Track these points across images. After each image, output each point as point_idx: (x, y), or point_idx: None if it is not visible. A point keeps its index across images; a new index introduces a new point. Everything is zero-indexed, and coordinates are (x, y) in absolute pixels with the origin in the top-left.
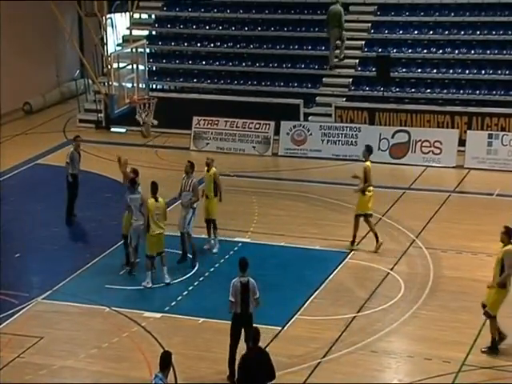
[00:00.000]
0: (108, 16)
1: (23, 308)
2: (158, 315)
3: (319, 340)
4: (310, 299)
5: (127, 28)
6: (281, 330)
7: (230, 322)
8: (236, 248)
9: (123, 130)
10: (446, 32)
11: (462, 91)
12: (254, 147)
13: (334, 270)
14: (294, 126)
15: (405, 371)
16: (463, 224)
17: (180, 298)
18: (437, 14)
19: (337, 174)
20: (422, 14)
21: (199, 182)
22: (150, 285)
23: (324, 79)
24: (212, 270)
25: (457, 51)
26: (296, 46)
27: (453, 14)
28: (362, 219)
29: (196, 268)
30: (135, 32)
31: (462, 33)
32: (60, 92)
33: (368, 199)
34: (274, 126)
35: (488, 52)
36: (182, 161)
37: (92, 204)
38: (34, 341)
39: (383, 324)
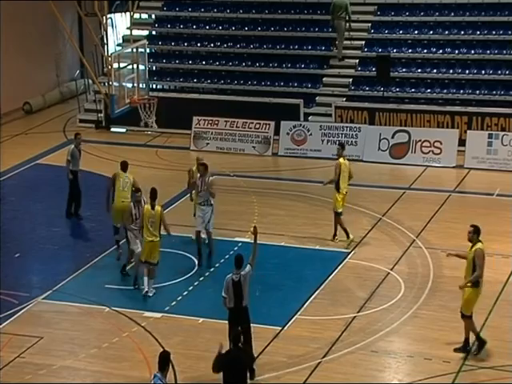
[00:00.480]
0: (108, 16)
1: (23, 308)
2: (158, 315)
3: (319, 340)
4: (310, 299)
5: (127, 28)
6: (281, 330)
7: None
8: (236, 248)
9: (123, 130)
10: (446, 32)
11: (462, 91)
12: (253, 147)
13: (334, 270)
14: (294, 126)
15: (405, 371)
16: (463, 224)
17: (180, 297)
18: (437, 13)
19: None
20: (421, 14)
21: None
22: (147, 291)
23: (324, 79)
24: (212, 269)
25: (457, 51)
26: (296, 46)
27: (453, 14)
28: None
29: (196, 268)
30: (135, 32)
31: (462, 33)
32: (60, 92)
33: (341, 197)
34: (273, 126)
35: (488, 52)
36: (182, 161)
37: (92, 204)
38: (33, 341)
39: (383, 324)
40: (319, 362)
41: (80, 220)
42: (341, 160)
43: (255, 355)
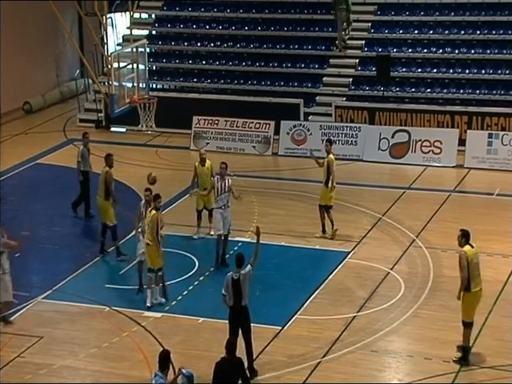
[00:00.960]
0: (108, 16)
1: (23, 308)
2: (158, 315)
3: (319, 340)
4: (310, 299)
5: (127, 28)
6: (281, 330)
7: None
8: (236, 248)
9: (123, 130)
10: (446, 32)
11: (462, 91)
12: (253, 147)
13: (334, 269)
14: (294, 126)
15: (405, 371)
16: (463, 224)
17: (180, 297)
18: (437, 13)
19: (337, 173)
20: (421, 13)
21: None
22: (149, 303)
23: (324, 79)
24: (212, 269)
25: (457, 51)
26: (296, 46)
27: (453, 14)
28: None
29: (196, 268)
30: (135, 31)
31: (462, 32)
32: (60, 92)
33: (330, 191)
34: (274, 126)
35: (488, 52)
36: (182, 160)
37: (92, 203)
38: (34, 340)
39: (383, 324)
40: (319, 362)
41: (91, 218)
42: (331, 156)
43: (255, 355)
